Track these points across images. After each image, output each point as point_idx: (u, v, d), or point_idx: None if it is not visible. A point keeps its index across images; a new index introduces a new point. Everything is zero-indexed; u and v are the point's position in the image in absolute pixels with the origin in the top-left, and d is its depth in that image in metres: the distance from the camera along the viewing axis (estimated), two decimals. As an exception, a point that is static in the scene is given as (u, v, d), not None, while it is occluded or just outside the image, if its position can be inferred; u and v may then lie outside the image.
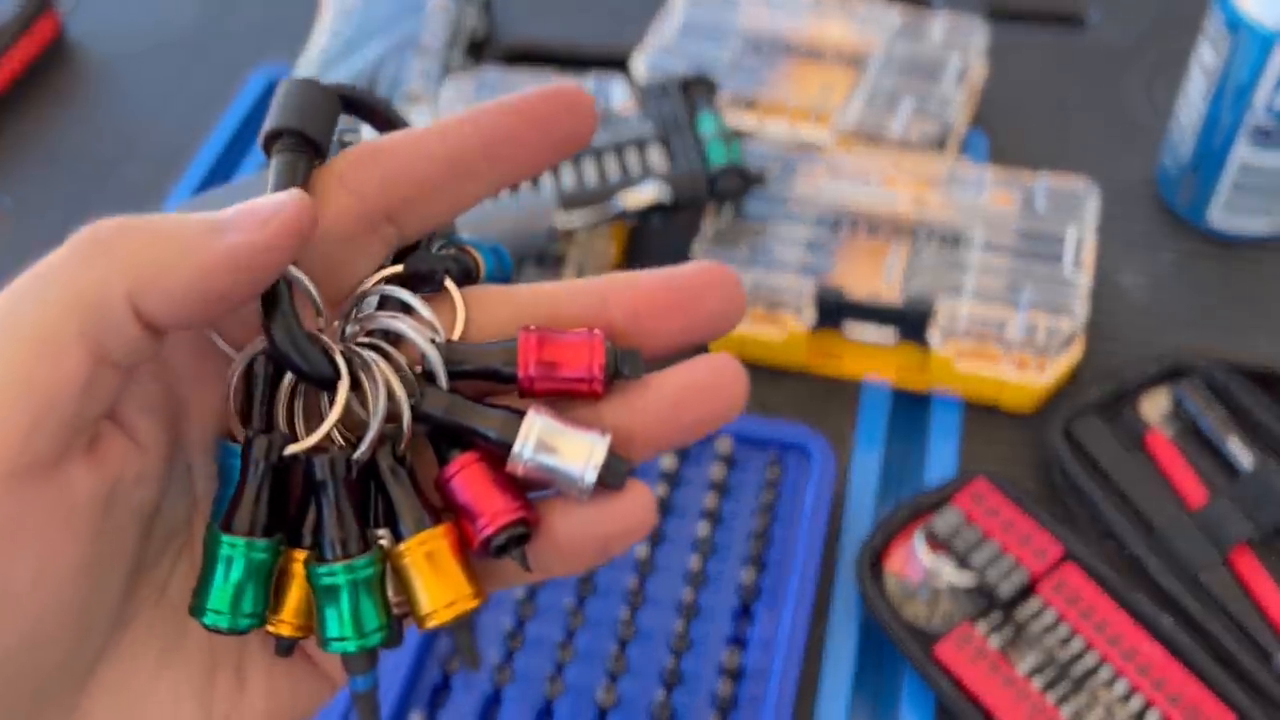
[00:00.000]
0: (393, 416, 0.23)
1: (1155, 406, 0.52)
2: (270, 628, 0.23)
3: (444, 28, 0.69)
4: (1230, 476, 0.50)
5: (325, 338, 0.23)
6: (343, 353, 0.22)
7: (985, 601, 0.47)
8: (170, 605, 0.23)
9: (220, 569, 0.22)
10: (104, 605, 0.22)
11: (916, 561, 0.48)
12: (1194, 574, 0.47)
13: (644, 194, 0.52)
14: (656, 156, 0.54)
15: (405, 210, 0.23)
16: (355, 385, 0.22)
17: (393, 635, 0.23)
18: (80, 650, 0.21)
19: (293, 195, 0.21)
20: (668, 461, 0.51)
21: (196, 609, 0.22)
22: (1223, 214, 0.60)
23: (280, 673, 0.24)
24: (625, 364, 0.23)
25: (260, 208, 0.21)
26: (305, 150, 0.23)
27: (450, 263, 0.24)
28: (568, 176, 0.53)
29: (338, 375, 0.22)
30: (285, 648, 0.24)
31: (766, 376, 0.56)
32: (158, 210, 0.65)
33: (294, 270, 0.22)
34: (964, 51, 0.64)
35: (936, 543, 0.47)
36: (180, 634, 0.23)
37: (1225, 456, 0.50)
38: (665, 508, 0.50)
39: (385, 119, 0.25)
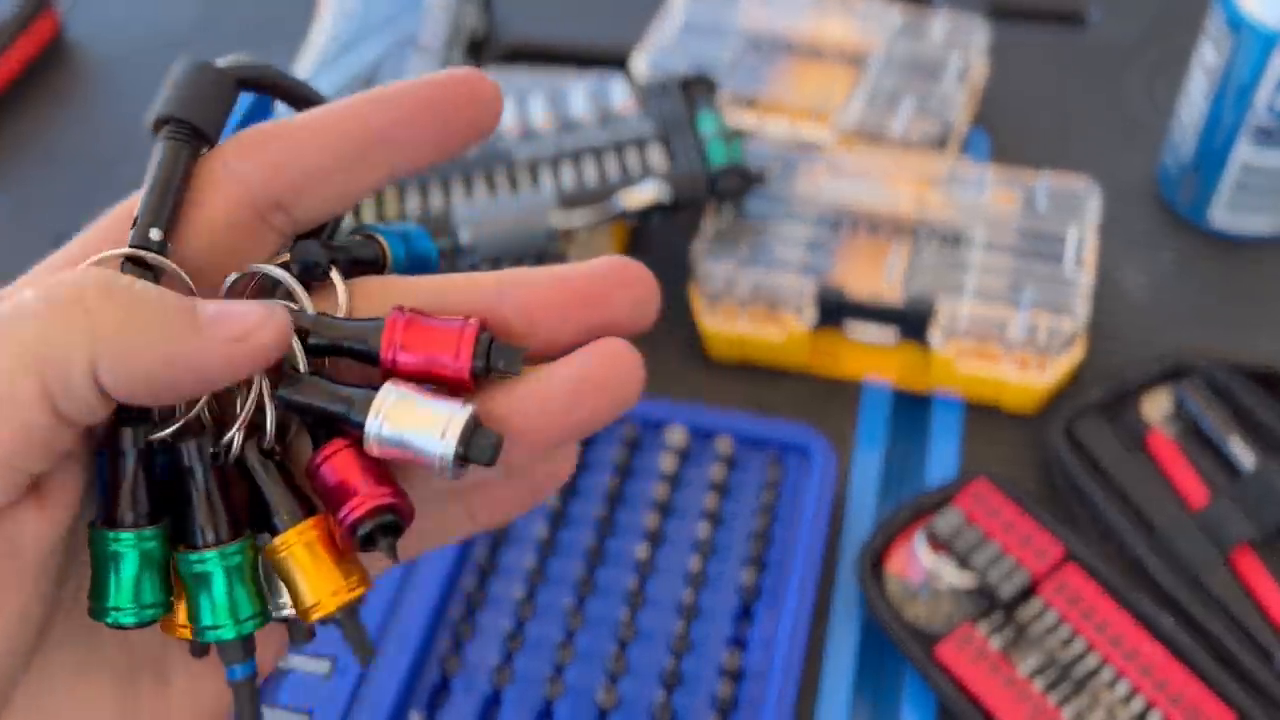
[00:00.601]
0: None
1: (1156, 406, 0.52)
2: (174, 633, 0.23)
3: (443, 26, 0.69)
4: (1231, 476, 0.49)
5: None
6: None
7: (986, 602, 0.47)
8: (83, 614, 0.22)
9: (111, 567, 0.21)
10: (29, 641, 0.21)
11: (917, 562, 0.47)
12: (1195, 574, 0.47)
13: (644, 194, 0.52)
14: (656, 156, 0.54)
15: (295, 197, 0.23)
16: None
17: (267, 619, 0.23)
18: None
19: (275, 316, 0.21)
20: (667, 461, 0.51)
21: (97, 612, 0.22)
22: (1224, 213, 0.60)
23: (202, 669, 0.24)
24: (500, 358, 0.21)
25: (242, 318, 0.20)
26: (191, 138, 0.22)
27: (339, 252, 0.23)
28: (567, 176, 0.53)
29: None
30: (199, 649, 0.23)
31: (767, 376, 0.56)
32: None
33: (166, 262, 0.22)
34: (965, 50, 0.64)
35: (937, 543, 0.47)
36: (95, 643, 0.23)
37: (1226, 457, 0.50)
38: (665, 508, 0.50)
39: (296, 96, 0.24)
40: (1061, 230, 0.54)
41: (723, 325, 0.55)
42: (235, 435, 0.22)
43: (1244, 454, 0.49)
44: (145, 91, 0.74)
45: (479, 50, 0.73)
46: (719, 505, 0.50)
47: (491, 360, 0.21)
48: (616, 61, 0.67)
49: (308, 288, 0.23)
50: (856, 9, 0.67)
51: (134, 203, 0.23)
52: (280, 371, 0.22)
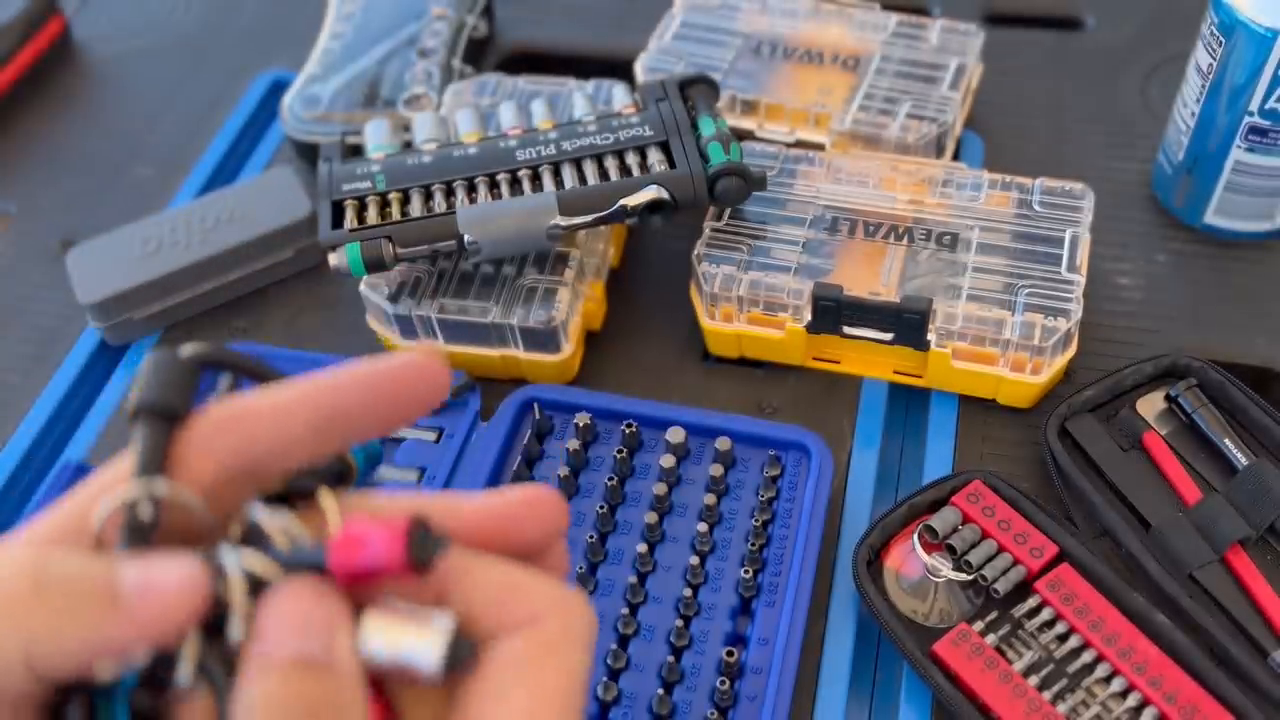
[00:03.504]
0: None
1: (1151, 406, 0.52)
2: None
3: (445, 32, 0.69)
4: (1226, 475, 0.50)
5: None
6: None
7: (982, 599, 0.47)
8: None
9: None
10: None
11: (914, 559, 0.48)
12: (1190, 572, 0.47)
13: (644, 195, 0.52)
14: (656, 158, 0.54)
15: (262, 469, 0.25)
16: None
17: None
18: None
19: (189, 579, 0.22)
20: (667, 460, 0.51)
21: None
22: (1218, 214, 0.60)
23: None
24: (429, 549, 0.24)
25: (158, 590, 0.22)
26: (165, 422, 0.24)
27: (324, 475, 0.26)
28: (568, 177, 0.54)
29: None
30: None
31: (765, 376, 0.57)
32: (161, 209, 0.66)
33: (186, 494, 0.24)
34: (961, 55, 0.65)
35: (934, 541, 0.48)
36: None
37: (1221, 455, 0.50)
38: (665, 507, 0.50)
39: (254, 372, 0.27)
40: (1056, 232, 0.54)
41: (722, 325, 0.55)
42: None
43: (1238, 453, 0.50)
44: (151, 93, 0.75)
45: (481, 56, 0.73)
46: (718, 503, 0.50)
47: (421, 553, 0.23)
48: (617, 66, 0.68)
49: (293, 504, 0.25)
50: (854, 14, 0.67)
51: (89, 493, 0.24)
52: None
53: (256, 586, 0.23)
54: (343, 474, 0.27)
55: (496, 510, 0.26)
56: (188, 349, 0.26)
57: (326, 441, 0.25)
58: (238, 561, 0.23)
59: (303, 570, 0.24)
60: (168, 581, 0.22)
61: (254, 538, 0.25)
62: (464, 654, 0.23)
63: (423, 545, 0.23)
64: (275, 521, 0.25)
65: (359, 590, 0.24)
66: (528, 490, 0.26)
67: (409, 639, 0.23)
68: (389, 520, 0.24)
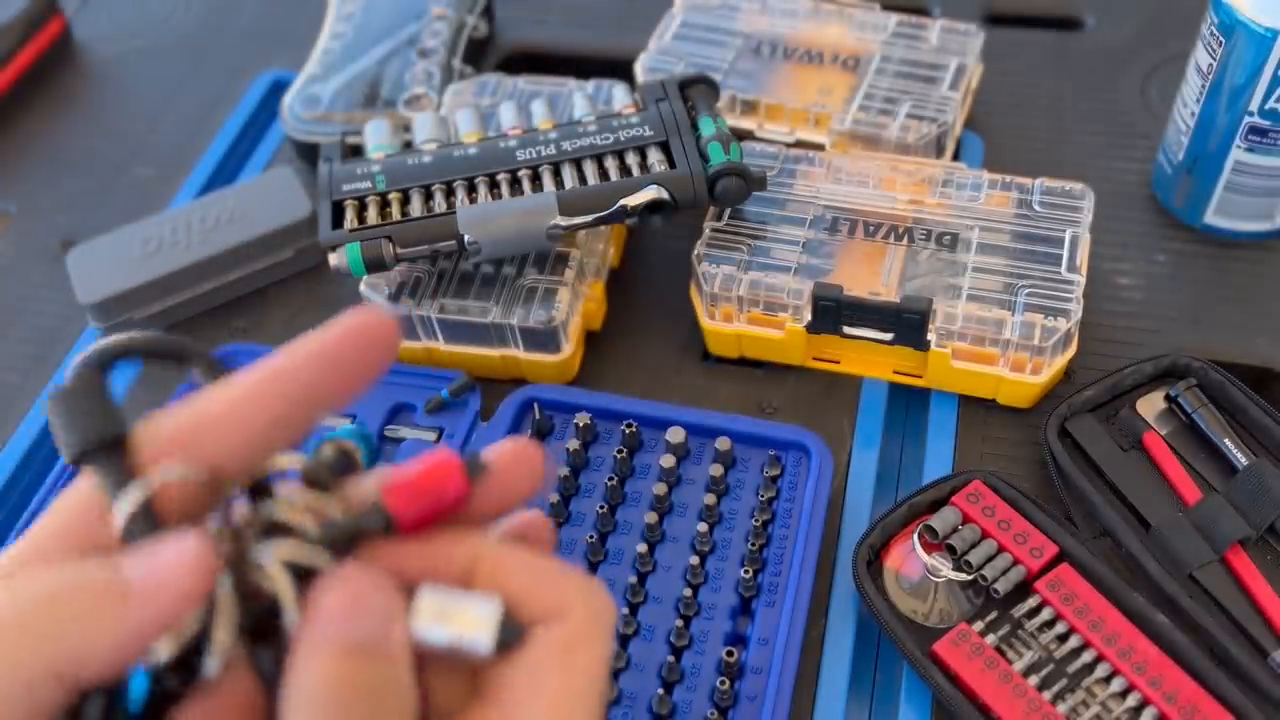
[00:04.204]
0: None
1: (1151, 406, 0.52)
2: None
3: (445, 32, 0.69)
4: (1226, 475, 0.50)
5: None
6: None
7: (982, 599, 0.47)
8: None
9: None
10: None
11: (914, 559, 0.48)
12: (1190, 572, 0.47)
13: (644, 195, 0.52)
14: (656, 158, 0.54)
15: (234, 472, 0.24)
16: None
17: None
18: None
19: (192, 552, 0.22)
20: (667, 460, 0.51)
21: None
22: (1218, 214, 0.60)
23: None
24: (476, 467, 0.25)
25: (164, 572, 0.22)
26: (108, 452, 0.23)
27: (333, 466, 0.26)
28: (568, 177, 0.54)
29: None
30: None
31: (765, 376, 0.57)
32: (161, 209, 0.66)
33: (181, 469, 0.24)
34: (961, 55, 0.65)
35: (934, 541, 0.48)
36: None
37: (1221, 455, 0.50)
38: (665, 507, 0.50)
39: (168, 353, 0.25)
40: (1056, 232, 0.55)
41: (722, 325, 0.55)
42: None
43: (1238, 453, 0.50)
44: (152, 93, 0.75)
45: (481, 56, 0.73)
46: (718, 503, 0.50)
47: (473, 470, 0.25)
48: (617, 66, 0.68)
49: (323, 483, 0.25)
50: (854, 14, 0.67)
51: (79, 499, 0.24)
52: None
53: (299, 575, 0.23)
54: (348, 465, 0.27)
55: (492, 468, 0.26)
56: (80, 358, 0.25)
57: (293, 429, 0.25)
58: (273, 554, 0.23)
59: (366, 531, 0.24)
60: (171, 561, 0.22)
61: (273, 528, 0.24)
62: (512, 636, 0.24)
63: (473, 464, 0.24)
64: (300, 500, 0.24)
65: (406, 571, 0.24)
66: (516, 445, 0.26)
67: (463, 619, 0.23)
68: (425, 458, 0.24)
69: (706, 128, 0.55)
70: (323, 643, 0.22)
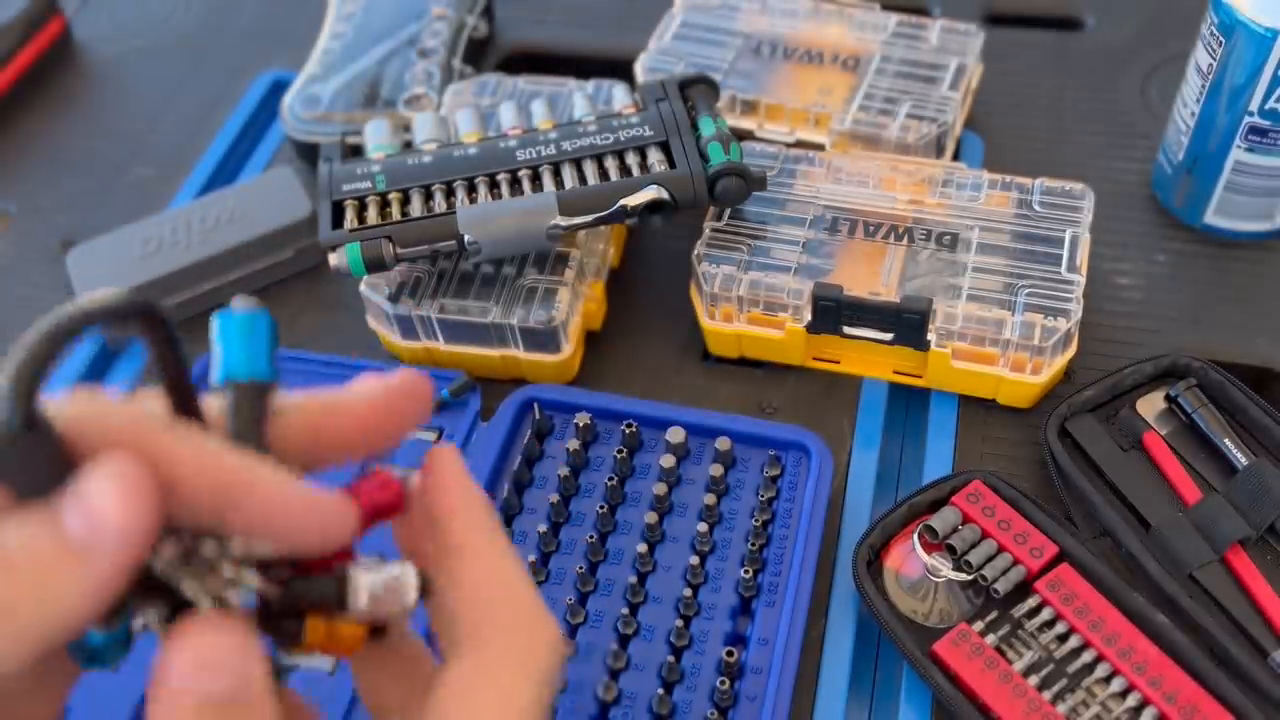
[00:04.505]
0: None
1: (1151, 406, 0.52)
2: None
3: (445, 32, 0.69)
4: (1226, 475, 0.50)
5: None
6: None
7: (982, 599, 0.47)
8: None
9: None
10: None
11: (914, 559, 0.48)
12: (1190, 572, 0.47)
13: (644, 195, 0.52)
14: (656, 158, 0.54)
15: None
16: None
17: None
18: None
19: (125, 479, 0.21)
20: (667, 460, 0.51)
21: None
22: (1218, 214, 0.60)
23: None
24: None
25: (101, 514, 0.21)
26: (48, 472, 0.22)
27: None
28: (568, 177, 0.54)
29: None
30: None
31: (765, 376, 0.57)
32: (161, 209, 0.66)
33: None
34: (961, 55, 0.65)
35: (934, 541, 0.48)
36: None
37: (1221, 455, 0.50)
38: (665, 507, 0.50)
39: (114, 313, 0.24)
40: (1056, 232, 0.55)
41: (722, 325, 0.55)
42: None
43: (1238, 453, 0.50)
44: (152, 93, 0.75)
45: (481, 56, 0.73)
46: (718, 503, 0.50)
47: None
48: (617, 66, 0.68)
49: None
50: (854, 14, 0.67)
51: None
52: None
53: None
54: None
55: (380, 403, 0.27)
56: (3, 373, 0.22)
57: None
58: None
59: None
60: (106, 499, 0.21)
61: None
62: (429, 581, 0.27)
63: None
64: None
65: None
66: (404, 377, 0.27)
67: (391, 571, 0.26)
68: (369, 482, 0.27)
69: (706, 128, 0.55)
70: (179, 699, 0.22)
